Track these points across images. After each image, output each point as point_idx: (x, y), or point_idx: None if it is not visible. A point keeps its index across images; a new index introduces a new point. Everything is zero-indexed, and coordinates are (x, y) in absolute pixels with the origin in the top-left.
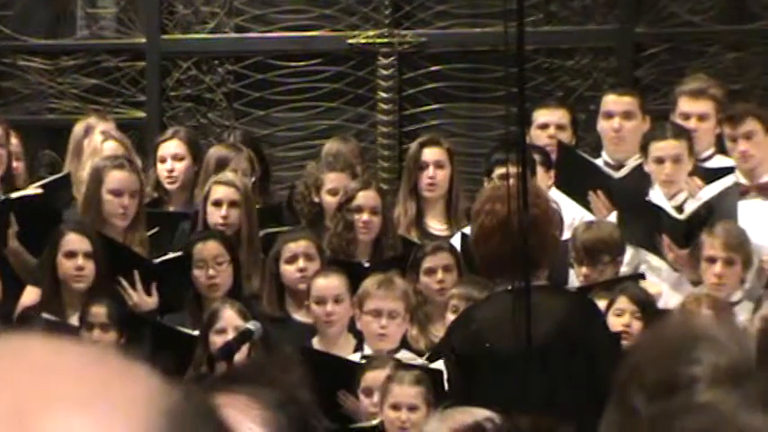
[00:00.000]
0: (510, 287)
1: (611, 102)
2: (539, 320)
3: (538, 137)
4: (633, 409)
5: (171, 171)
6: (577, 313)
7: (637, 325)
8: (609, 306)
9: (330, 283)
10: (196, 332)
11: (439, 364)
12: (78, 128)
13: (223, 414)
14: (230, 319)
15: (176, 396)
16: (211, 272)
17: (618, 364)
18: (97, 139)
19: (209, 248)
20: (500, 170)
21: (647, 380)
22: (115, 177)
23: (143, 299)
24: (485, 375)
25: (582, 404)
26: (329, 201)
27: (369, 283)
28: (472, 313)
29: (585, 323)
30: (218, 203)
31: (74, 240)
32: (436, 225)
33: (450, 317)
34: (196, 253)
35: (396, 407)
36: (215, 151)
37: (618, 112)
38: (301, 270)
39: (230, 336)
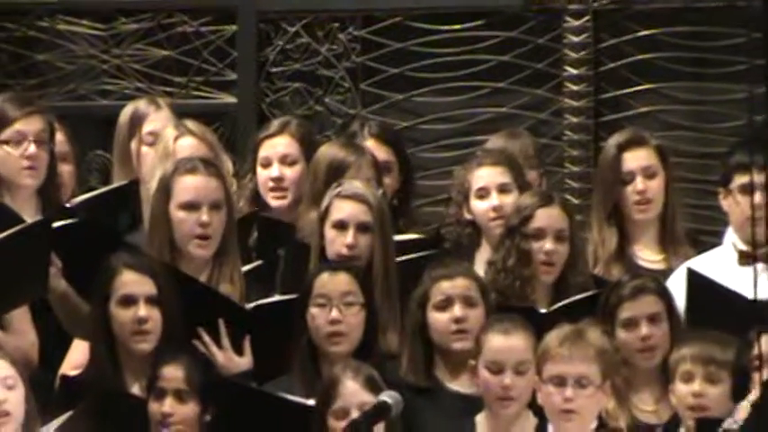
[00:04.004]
0: None
1: None
2: None
3: None
4: None
5: (279, 180)
6: None
7: None
8: None
9: (513, 344)
10: (311, 401)
11: None
12: (122, 119)
13: None
14: (353, 394)
15: None
16: (335, 314)
17: None
18: (169, 135)
19: (336, 282)
20: (742, 178)
21: None
22: (187, 186)
23: (232, 358)
24: None
25: None
26: (480, 210)
27: (550, 339)
28: None
29: None
30: (341, 226)
31: (131, 282)
32: (647, 255)
33: (681, 386)
34: (317, 287)
35: None
36: (326, 151)
37: None
38: (458, 321)
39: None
